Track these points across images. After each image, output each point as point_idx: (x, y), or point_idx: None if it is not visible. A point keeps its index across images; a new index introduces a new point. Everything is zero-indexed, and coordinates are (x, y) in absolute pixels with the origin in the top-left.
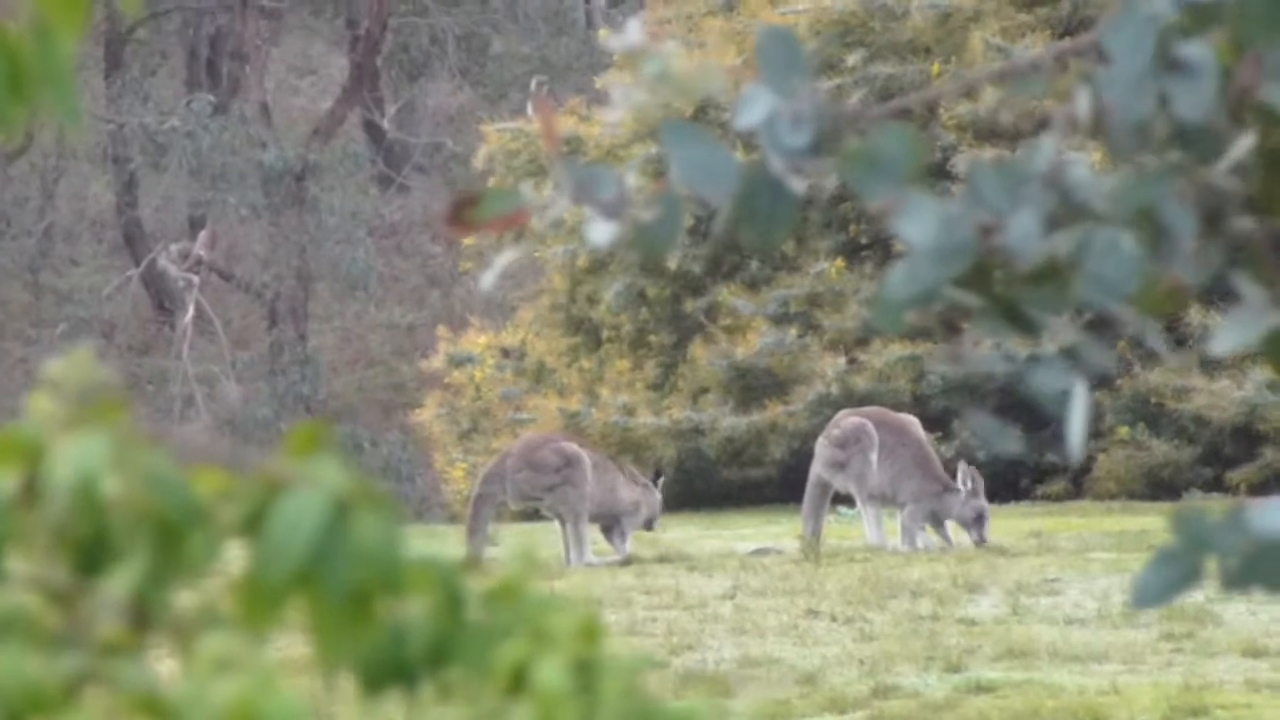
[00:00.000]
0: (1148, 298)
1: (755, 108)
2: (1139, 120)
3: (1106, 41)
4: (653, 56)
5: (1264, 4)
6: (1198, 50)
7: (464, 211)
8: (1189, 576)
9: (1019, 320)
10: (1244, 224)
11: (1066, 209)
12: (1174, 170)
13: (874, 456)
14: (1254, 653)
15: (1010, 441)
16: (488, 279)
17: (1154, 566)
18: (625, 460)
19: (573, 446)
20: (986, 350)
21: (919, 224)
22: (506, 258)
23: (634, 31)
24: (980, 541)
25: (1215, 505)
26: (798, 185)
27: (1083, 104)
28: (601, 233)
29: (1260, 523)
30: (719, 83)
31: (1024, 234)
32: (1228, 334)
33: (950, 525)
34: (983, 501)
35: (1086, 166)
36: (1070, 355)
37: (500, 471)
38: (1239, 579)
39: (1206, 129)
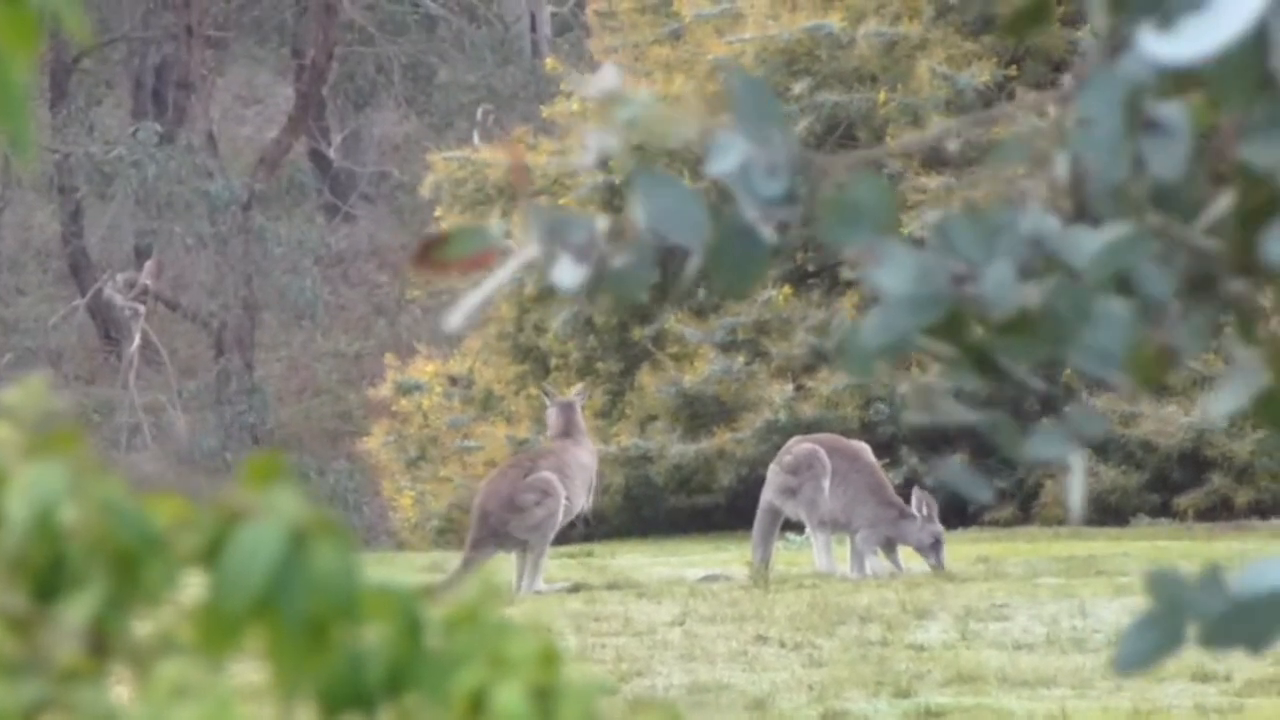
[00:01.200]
0: (1137, 363)
1: (728, 155)
2: (1116, 183)
3: (1083, 104)
4: (626, 102)
5: (1239, 66)
6: (1172, 111)
7: (432, 251)
8: (1171, 641)
9: (990, 369)
10: (1234, 285)
11: (1041, 260)
12: (1152, 232)
13: (826, 483)
14: (1203, 677)
15: (980, 490)
16: (455, 319)
17: (1135, 632)
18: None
19: (545, 475)
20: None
21: (894, 273)
22: (475, 298)
23: (610, 76)
24: (938, 566)
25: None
26: (769, 234)
27: (1061, 167)
28: (569, 276)
29: (1237, 584)
30: (692, 129)
31: (997, 284)
32: (1224, 398)
33: (901, 551)
34: (939, 527)
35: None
36: (1064, 422)
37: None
38: (1218, 639)
39: (1183, 190)
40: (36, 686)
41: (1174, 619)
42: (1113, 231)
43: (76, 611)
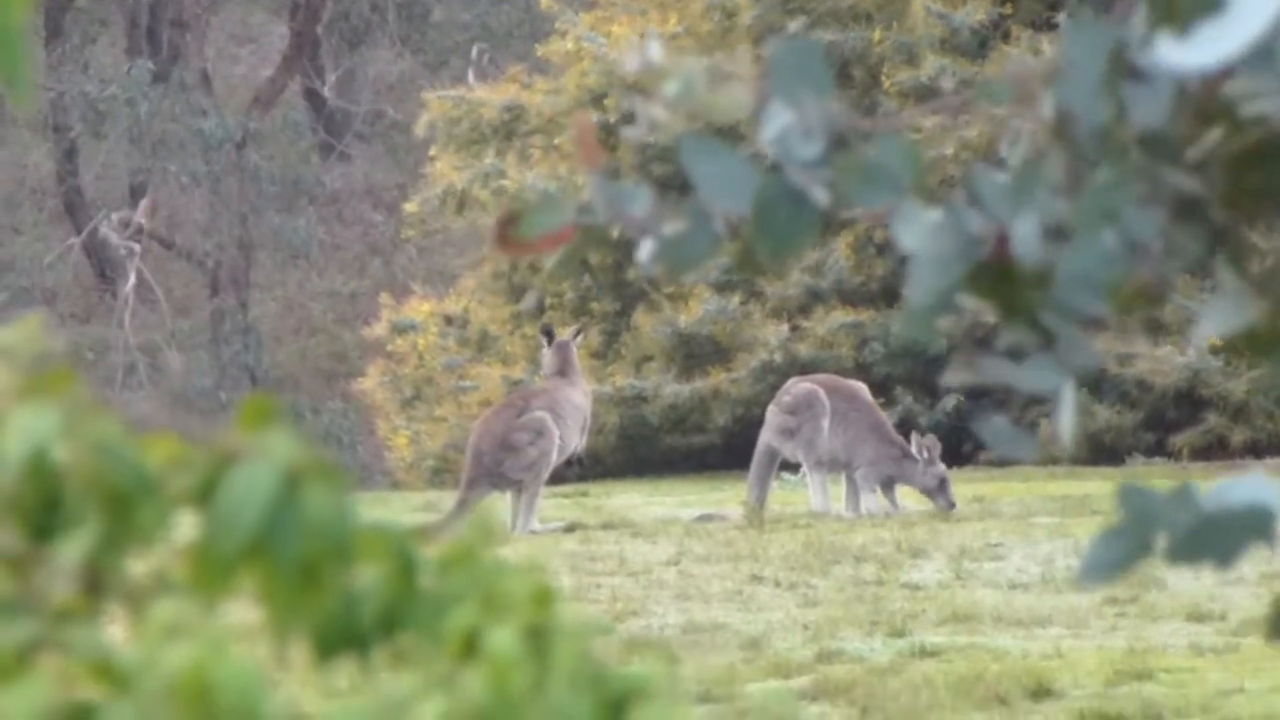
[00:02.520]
0: (1120, 296)
1: (773, 123)
2: (1099, 126)
3: (1067, 49)
4: (675, 76)
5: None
6: (1155, 60)
7: (509, 229)
8: (1137, 551)
9: (1037, 325)
10: (1224, 216)
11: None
12: (1136, 174)
13: (825, 423)
14: (1198, 617)
15: (1025, 448)
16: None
17: (1102, 542)
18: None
19: (539, 415)
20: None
21: (913, 233)
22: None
23: (654, 50)
24: (949, 507)
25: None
26: (821, 196)
27: (1047, 108)
28: (645, 251)
29: (1207, 497)
30: (744, 103)
31: (1027, 240)
32: (1210, 321)
33: (898, 491)
34: (942, 468)
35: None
36: (1057, 352)
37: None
38: (1185, 553)
39: (1165, 133)
40: (31, 625)
41: (1142, 530)
42: (1100, 172)
43: (70, 551)
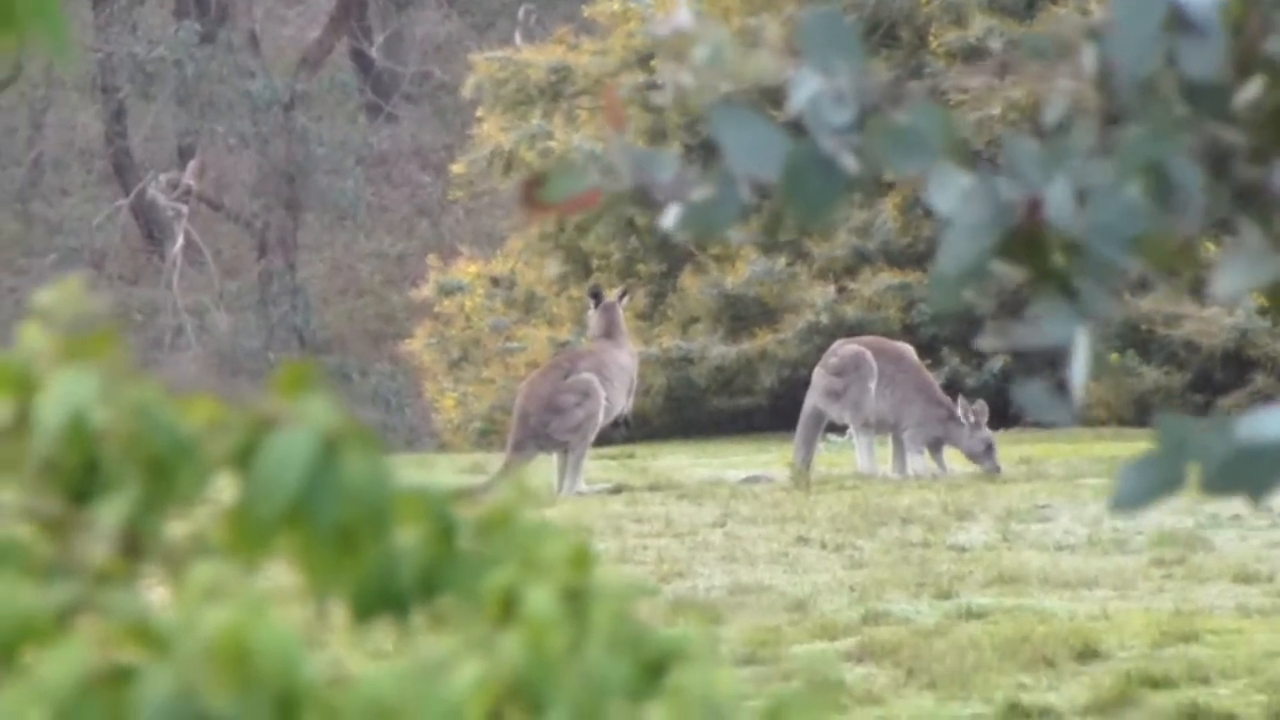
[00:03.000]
0: (1158, 252)
1: (802, 90)
2: (1145, 78)
3: (1113, 1)
4: (703, 41)
5: None
6: (1205, 9)
7: (536, 192)
8: (1170, 481)
9: (1070, 291)
10: (1251, 171)
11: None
12: (1181, 125)
13: (872, 385)
14: (1245, 578)
15: (1062, 412)
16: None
17: (1134, 470)
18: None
19: (585, 377)
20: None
21: (950, 197)
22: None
23: (683, 15)
24: (995, 470)
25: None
26: (849, 162)
27: (1088, 60)
28: (671, 216)
29: (1243, 429)
30: (772, 69)
31: (1061, 205)
32: (1228, 275)
33: (946, 453)
34: (988, 432)
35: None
36: (1074, 300)
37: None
38: (1219, 484)
39: (1213, 85)
40: (70, 588)
41: (1175, 460)
42: (1144, 124)
43: (109, 514)
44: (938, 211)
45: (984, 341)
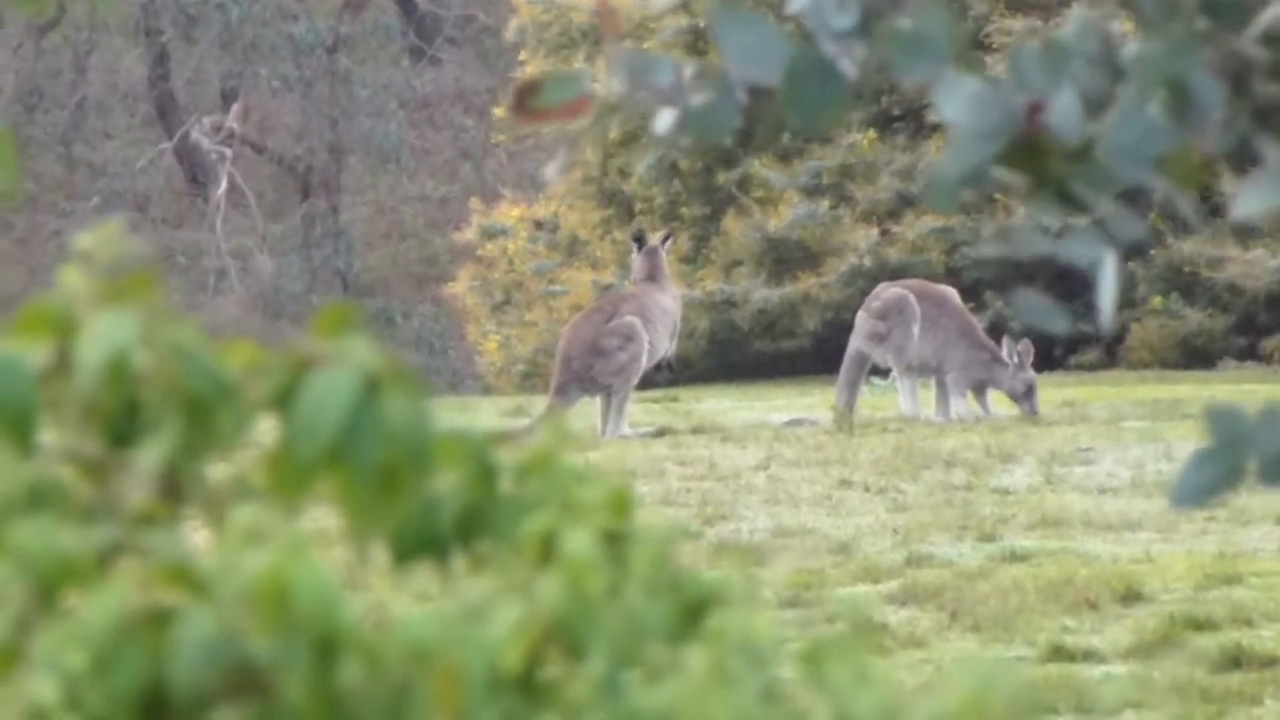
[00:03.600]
0: (1179, 168)
1: None
2: None
3: None
4: None
5: None
6: None
7: (527, 99)
8: (1229, 476)
9: (1069, 200)
10: (1270, 89)
11: (1111, 83)
12: (1202, 39)
13: (915, 328)
14: None
15: (1058, 320)
16: (552, 170)
17: (1192, 466)
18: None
19: (628, 320)
20: (1034, 230)
21: (957, 103)
22: (573, 151)
23: None
24: (1033, 413)
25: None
26: (849, 67)
27: None
28: (664, 120)
29: None
30: None
31: (1065, 112)
32: (1250, 196)
33: (990, 396)
34: (1031, 374)
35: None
36: (1101, 226)
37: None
38: (1277, 476)
39: (1234, 0)
40: (110, 531)
41: (1233, 454)
42: (1164, 40)
43: (149, 456)
44: (943, 116)
45: (984, 247)
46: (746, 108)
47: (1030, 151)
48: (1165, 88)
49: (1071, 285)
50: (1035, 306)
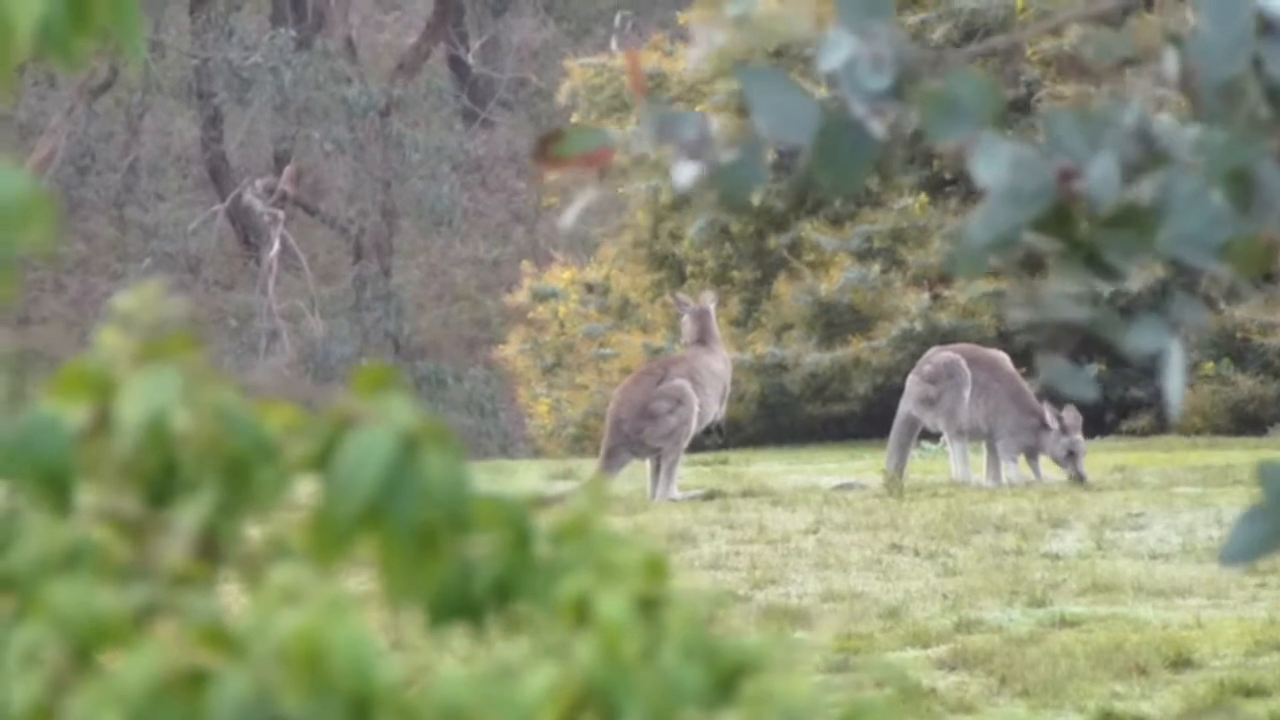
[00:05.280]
0: (1244, 256)
1: (837, 51)
2: (1229, 81)
3: (1199, 2)
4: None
5: None
6: None
7: (550, 148)
8: (1279, 533)
9: (1099, 266)
10: None
11: (1148, 155)
12: (1266, 129)
13: (966, 393)
14: None
15: (1084, 385)
16: (568, 217)
17: (1243, 524)
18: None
19: (678, 383)
20: (1062, 294)
21: (994, 167)
22: (587, 196)
23: None
24: (1078, 478)
25: None
26: (878, 128)
27: (1170, 63)
28: (685, 173)
29: None
30: (802, 26)
31: (1104, 179)
32: None
33: (1041, 461)
34: (1076, 438)
35: (1168, 115)
36: (1164, 310)
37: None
38: None
39: None
40: (147, 590)
41: None
42: (1227, 128)
43: (188, 516)
44: (979, 180)
45: (1011, 312)
46: (792, 172)
47: (1061, 217)
48: (1228, 177)
49: (1123, 354)
50: (1061, 371)
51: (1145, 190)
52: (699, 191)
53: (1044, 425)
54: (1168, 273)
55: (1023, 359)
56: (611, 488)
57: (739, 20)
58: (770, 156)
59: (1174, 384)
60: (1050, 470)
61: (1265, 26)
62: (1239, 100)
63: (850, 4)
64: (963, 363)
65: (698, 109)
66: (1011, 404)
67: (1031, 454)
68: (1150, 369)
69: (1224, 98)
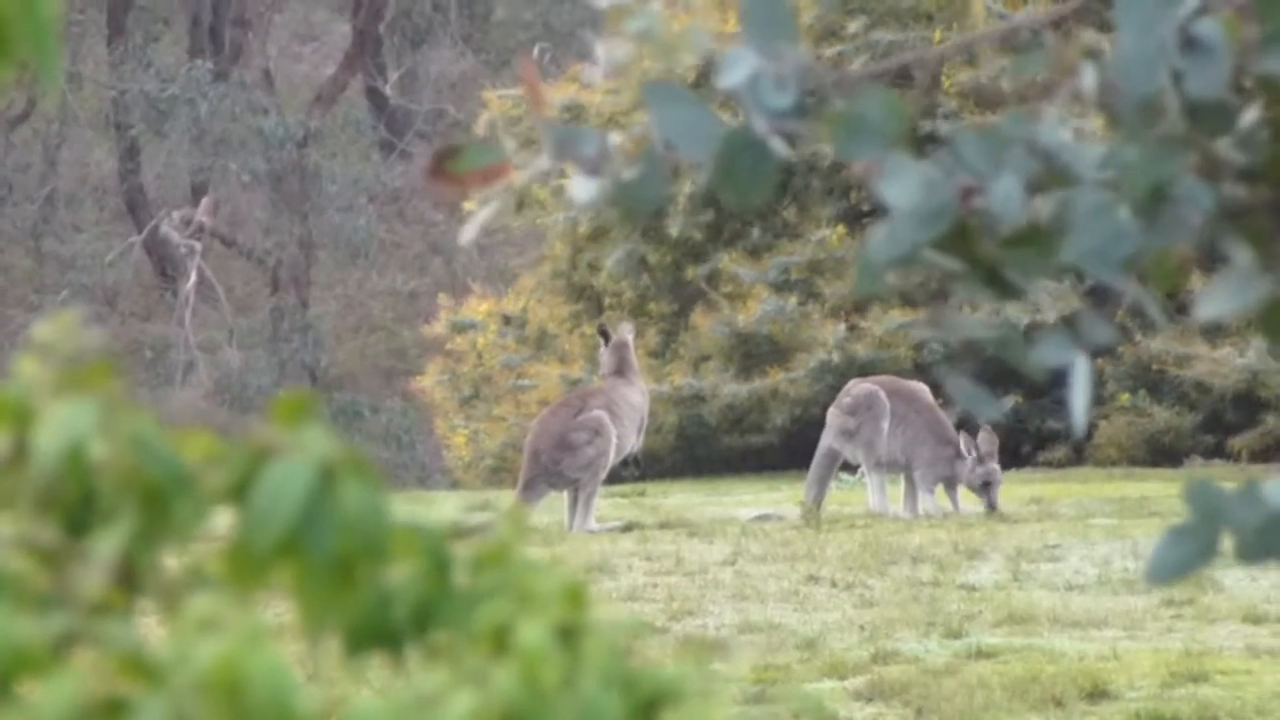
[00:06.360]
0: (1158, 271)
1: (739, 68)
2: (1147, 97)
3: (1119, 17)
4: (637, 15)
5: None
6: (1210, 27)
7: (445, 164)
8: (1204, 552)
9: (1000, 284)
10: (1240, 191)
11: (1050, 173)
12: (1184, 145)
13: (885, 424)
14: (1254, 619)
15: (989, 407)
16: (469, 231)
17: (1168, 542)
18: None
19: (596, 414)
20: (970, 316)
21: (899, 186)
22: (488, 210)
23: None
24: (991, 508)
25: (1219, 473)
26: (780, 147)
27: (1088, 79)
28: (583, 190)
29: (1275, 495)
30: (703, 43)
31: (1006, 197)
32: (1215, 299)
33: (960, 492)
34: (991, 467)
35: (1070, 132)
36: (1071, 328)
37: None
38: (1254, 552)
39: (1218, 104)
40: (65, 619)
41: (1209, 530)
42: (1146, 144)
43: (105, 546)
44: (886, 200)
45: (918, 330)
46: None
47: (963, 235)
48: (1147, 191)
49: (1040, 384)
50: (968, 392)
51: (1045, 208)
52: (599, 208)
53: (959, 455)
54: (1081, 300)
55: (939, 391)
56: (530, 518)
57: (641, 36)
58: (688, 187)
59: (1078, 401)
60: (968, 502)
61: (1186, 42)
62: (1158, 116)
63: (755, 24)
64: (882, 394)
65: (616, 140)
66: (929, 435)
67: (950, 485)
68: (1061, 401)
69: (1143, 113)
